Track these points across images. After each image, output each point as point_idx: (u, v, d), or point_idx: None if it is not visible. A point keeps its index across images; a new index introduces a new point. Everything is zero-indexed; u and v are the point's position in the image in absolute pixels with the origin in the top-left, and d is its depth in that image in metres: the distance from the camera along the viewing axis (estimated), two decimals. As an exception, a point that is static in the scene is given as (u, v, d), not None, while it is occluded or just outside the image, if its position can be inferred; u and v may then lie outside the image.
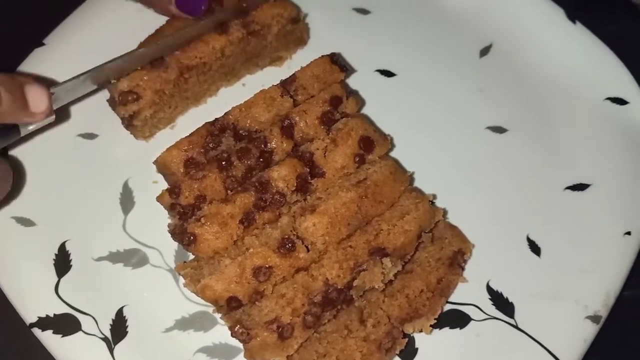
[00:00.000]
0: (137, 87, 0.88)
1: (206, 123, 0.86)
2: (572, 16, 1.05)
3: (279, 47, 1.01)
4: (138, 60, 0.88)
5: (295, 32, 1.01)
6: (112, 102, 0.92)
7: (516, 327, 0.83)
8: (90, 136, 0.95)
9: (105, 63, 0.85)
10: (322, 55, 0.92)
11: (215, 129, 0.86)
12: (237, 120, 0.87)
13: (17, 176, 0.87)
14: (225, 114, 0.86)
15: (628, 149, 0.95)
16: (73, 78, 0.81)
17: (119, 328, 0.80)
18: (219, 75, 0.97)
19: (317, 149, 0.84)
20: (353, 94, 0.94)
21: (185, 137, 0.85)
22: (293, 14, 0.98)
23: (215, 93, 1.00)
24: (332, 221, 0.78)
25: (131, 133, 0.94)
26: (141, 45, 0.92)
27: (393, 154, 0.95)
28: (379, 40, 1.06)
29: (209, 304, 0.77)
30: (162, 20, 0.96)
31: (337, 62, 0.92)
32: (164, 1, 0.91)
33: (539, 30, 1.05)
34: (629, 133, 0.96)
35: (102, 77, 0.85)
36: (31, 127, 0.78)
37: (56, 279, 0.83)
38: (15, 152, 0.91)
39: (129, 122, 0.91)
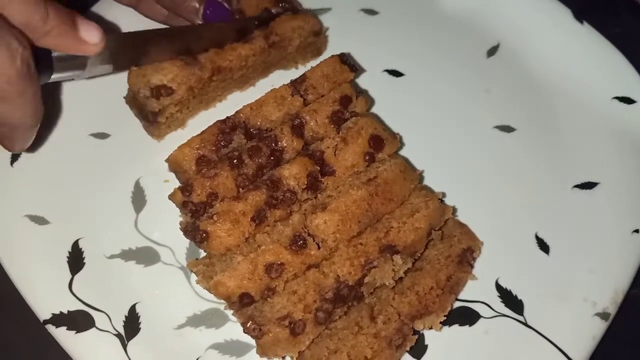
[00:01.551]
0: (172, 81, 0.87)
1: (217, 121, 0.87)
2: (580, 16, 1.06)
3: (296, 58, 1.03)
4: (167, 46, 0.87)
5: (316, 44, 1.02)
6: (131, 98, 0.92)
7: (525, 324, 0.83)
8: (102, 136, 0.96)
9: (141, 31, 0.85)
10: (332, 55, 0.93)
11: (226, 127, 0.87)
12: (248, 118, 0.87)
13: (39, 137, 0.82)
14: (236, 112, 0.87)
15: (636, 147, 0.95)
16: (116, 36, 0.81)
17: (132, 325, 0.81)
18: (235, 83, 0.98)
19: (328, 148, 0.85)
20: (362, 93, 0.94)
21: (197, 135, 0.86)
22: (315, 27, 0.99)
23: (226, 98, 1.01)
24: (343, 219, 0.79)
25: (148, 131, 0.94)
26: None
27: (402, 152, 0.96)
28: (387, 41, 1.07)
29: (221, 300, 0.78)
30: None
31: (346, 62, 0.93)
32: (189, 11, 0.92)
33: (546, 30, 1.06)
34: (637, 132, 0.97)
35: (134, 51, 0.85)
36: (92, 71, 0.78)
37: (70, 276, 0.83)
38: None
39: (154, 118, 0.90)
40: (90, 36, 0.73)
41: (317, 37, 1.01)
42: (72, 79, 0.79)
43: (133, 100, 0.92)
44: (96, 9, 1.03)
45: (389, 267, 0.78)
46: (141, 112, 0.92)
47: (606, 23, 1.07)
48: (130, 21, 0.99)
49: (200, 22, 0.93)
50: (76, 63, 0.77)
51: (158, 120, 0.91)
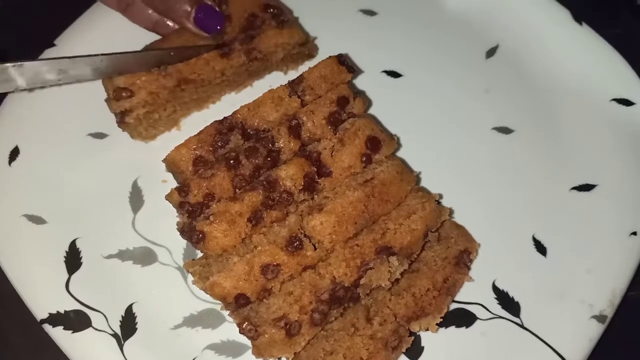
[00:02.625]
0: (132, 85, 0.89)
1: (215, 122, 0.87)
2: (579, 17, 1.06)
3: (285, 64, 1.03)
4: (143, 62, 0.89)
5: (304, 51, 1.02)
6: (107, 100, 0.93)
7: (522, 326, 0.83)
8: (100, 136, 0.96)
9: (121, 53, 0.88)
10: (329, 56, 0.93)
11: (223, 128, 0.87)
12: (245, 119, 0.87)
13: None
14: (233, 113, 0.87)
15: (634, 149, 0.95)
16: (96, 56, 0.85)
17: (128, 324, 0.81)
18: (221, 87, 0.98)
19: (325, 149, 0.85)
20: (360, 94, 0.94)
21: (194, 135, 0.86)
22: (300, 40, 0.99)
23: (220, 99, 1.01)
24: (339, 220, 0.79)
25: (124, 131, 0.94)
26: (146, 48, 0.94)
27: (399, 154, 0.96)
28: (386, 42, 1.07)
29: (217, 301, 0.78)
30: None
31: (344, 63, 0.93)
32: (180, 14, 0.92)
33: (545, 31, 1.06)
34: (635, 134, 0.96)
35: (111, 67, 0.88)
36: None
37: (67, 275, 0.84)
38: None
39: (121, 119, 0.92)
40: None
41: (304, 47, 1.01)
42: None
43: (108, 100, 0.93)
44: (89, 13, 1.04)
45: (385, 269, 0.78)
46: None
47: (605, 24, 1.06)
48: (122, 27, 0.99)
49: (191, 26, 0.93)
50: None
51: (125, 121, 0.91)
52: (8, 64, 0.81)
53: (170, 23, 0.95)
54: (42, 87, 0.93)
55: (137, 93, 0.89)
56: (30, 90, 0.94)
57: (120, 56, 0.88)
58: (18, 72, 0.82)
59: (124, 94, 0.89)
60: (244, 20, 0.96)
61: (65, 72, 0.86)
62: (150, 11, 0.95)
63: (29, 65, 0.83)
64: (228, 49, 0.94)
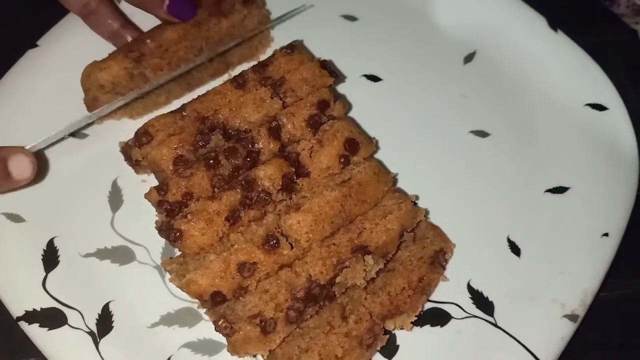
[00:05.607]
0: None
1: (196, 120, 0.87)
2: (554, 25, 1.08)
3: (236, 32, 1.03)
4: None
5: (252, 16, 1.03)
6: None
7: (495, 325, 0.84)
8: (81, 135, 0.97)
9: (85, 118, 0.89)
10: (312, 60, 0.94)
11: (205, 128, 0.88)
12: (227, 119, 0.88)
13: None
14: (215, 112, 0.88)
15: (606, 153, 0.97)
16: (51, 137, 0.86)
17: (104, 322, 0.81)
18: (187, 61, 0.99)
19: (303, 149, 0.86)
20: (340, 98, 0.96)
21: (175, 135, 0.87)
22: (259, 18, 1.02)
23: (198, 87, 1.03)
24: (316, 219, 0.80)
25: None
26: (123, 47, 0.95)
27: (378, 156, 0.97)
28: (367, 46, 1.09)
29: (194, 299, 0.78)
30: (153, 23, 0.98)
31: (327, 68, 0.94)
32: (155, 4, 0.93)
33: (521, 38, 1.08)
34: (608, 138, 0.99)
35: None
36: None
37: (44, 274, 0.84)
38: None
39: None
40: (23, 174, 0.81)
41: (246, 5, 1.02)
42: None
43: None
44: (73, 14, 1.04)
45: (360, 267, 0.79)
46: None
47: (580, 32, 1.09)
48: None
49: (164, 15, 0.94)
50: None
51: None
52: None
53: (127, 36, 0.97)
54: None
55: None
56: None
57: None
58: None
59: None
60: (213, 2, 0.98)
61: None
62: (110, 21, 0.97)
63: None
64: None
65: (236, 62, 1.06)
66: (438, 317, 0.85)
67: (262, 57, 1.05)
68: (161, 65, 0.96)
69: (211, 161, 0.84)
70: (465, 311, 0.86)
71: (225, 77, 1.05)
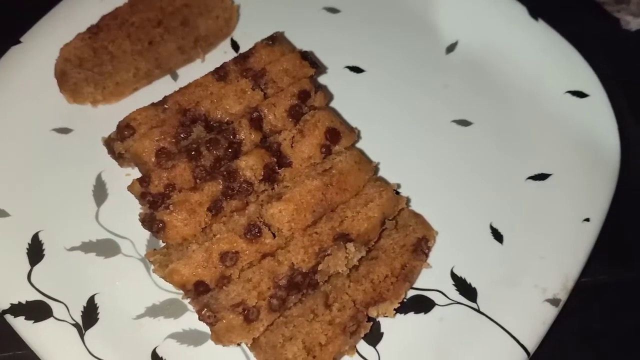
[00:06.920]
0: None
1: (177, 113, 0.88)
2: (535, 14, 1.09)
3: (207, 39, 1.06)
4: None
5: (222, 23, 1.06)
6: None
7: (478, 311, 0.85)
8: (64, 131, 0.97)
9: None
10: (293, 51, 0.95)
11: (186, 120, 0.88)
12: (208, 111, 0.89)
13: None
14: (196, 104, 0.89)
15: (587, 139, 0.98)
16: None
17: (90, 315, 0.82)
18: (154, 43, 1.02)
19: (285, 140, 0.87)
20: (321, 88, 0.96)
21: (157, 127, 0.87)
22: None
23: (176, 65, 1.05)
24: (298, 208, 0.81)
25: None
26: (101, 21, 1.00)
27: (360, 145, 0.98)
28: (349, 38, 1.10)
29: (178, 289, 0.79)
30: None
31: (307, 58, 0.95)
32: None
33: (502, 27, 1.10)
34: (588, 125, 0.99)
35: None
36: None
37: (29, 267, 0.84)
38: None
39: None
40: None
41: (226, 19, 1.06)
42: None
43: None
44: (56, 10, 1.05)
45: (342, 255, 0.79)
46: None
47: (561, 20, 1.10)
48: (89, 24, 1.01)
49: None
50: None
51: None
52: None
53: None
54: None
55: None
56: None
57: None
58: None
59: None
60: None
61: None
62: None
63: None
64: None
65: (205, 36, 1.06)
66: (422, 304, 0.86)
67: (234, 34, 1.08)
68: (120, 37, 1.00)
69: (193, 152, 0.84)
70: (449, 298, 0.87)
71: (199, 62, 1.06)
